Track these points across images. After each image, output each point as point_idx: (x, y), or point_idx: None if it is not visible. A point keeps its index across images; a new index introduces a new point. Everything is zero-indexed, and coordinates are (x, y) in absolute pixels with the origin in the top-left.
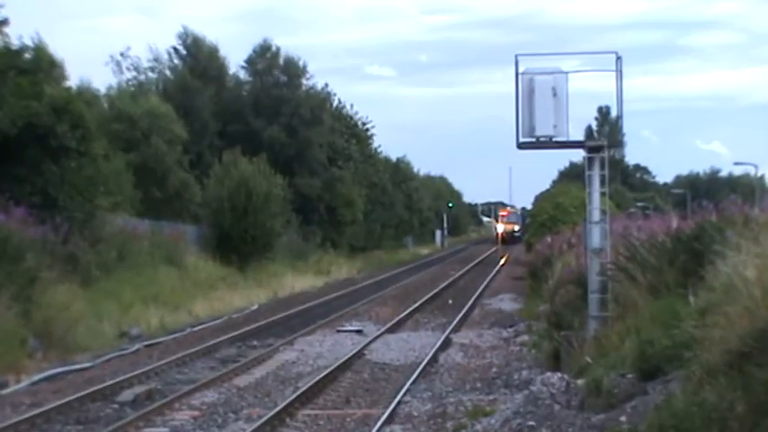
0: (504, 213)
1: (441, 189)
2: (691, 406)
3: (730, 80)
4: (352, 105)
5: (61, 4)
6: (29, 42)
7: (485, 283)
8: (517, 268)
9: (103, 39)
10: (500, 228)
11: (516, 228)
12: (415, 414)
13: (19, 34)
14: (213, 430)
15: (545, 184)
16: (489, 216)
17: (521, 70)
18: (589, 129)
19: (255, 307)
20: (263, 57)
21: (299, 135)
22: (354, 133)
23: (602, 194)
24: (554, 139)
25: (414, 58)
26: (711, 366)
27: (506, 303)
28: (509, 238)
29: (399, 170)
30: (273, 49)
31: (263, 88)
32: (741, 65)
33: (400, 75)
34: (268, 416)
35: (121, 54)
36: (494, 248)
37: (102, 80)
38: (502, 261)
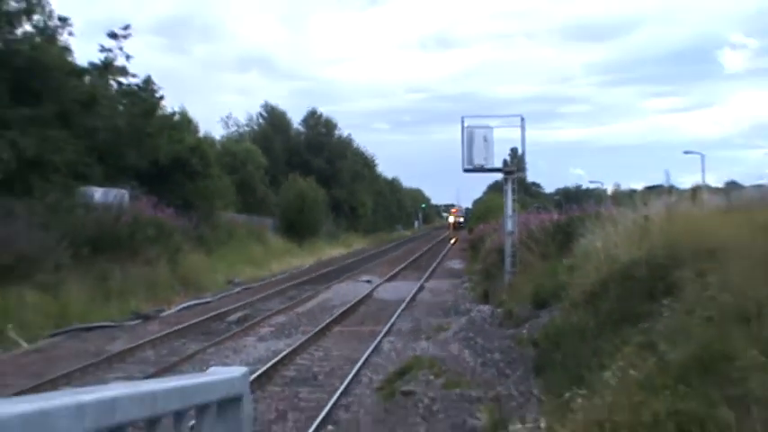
0: (455, 210)
1: (418, 196)
2: (564, 324)
3: (585, 133)
4: (364, 146)
5: (196, 87)
6: (177, 109)
7: (443, 253)
8: (463, 244)
9: (219, 107)
10: (452, 219)
11: (462, 219)
12: (403, 330)
13: (172, 105)
14: (283, 338)
15: (479, 193)
16: (447, 212)
17: (465, 125)
18: (505, 161)
19: (307, 266)
20: (313, 117)
21: (335, 165)
22: (366, 163)
23: (513, 200)
24: (485, 167)
25: (401, 118)
26: (575, 301)
27: (456, 264)
28: (457, 226)
29: (393, 185)
30: (318, 113)
31: (313, 136)
32: (590, 124)
33: (393, 128)
34: (314, 330)
35: (227, 117)
36: (447, 232)
37: (217, 131)
38: (453, 240)
